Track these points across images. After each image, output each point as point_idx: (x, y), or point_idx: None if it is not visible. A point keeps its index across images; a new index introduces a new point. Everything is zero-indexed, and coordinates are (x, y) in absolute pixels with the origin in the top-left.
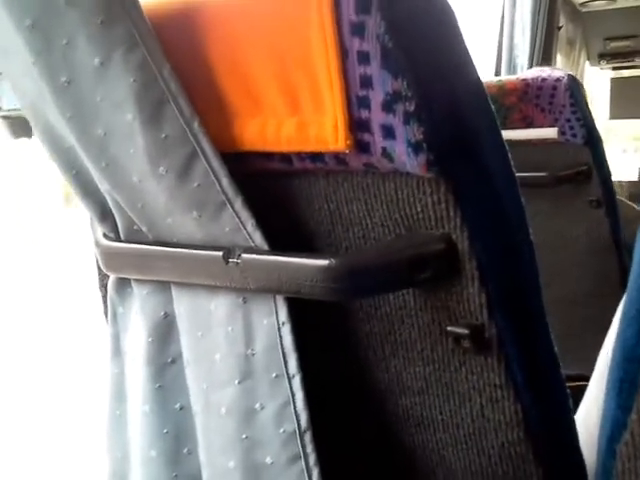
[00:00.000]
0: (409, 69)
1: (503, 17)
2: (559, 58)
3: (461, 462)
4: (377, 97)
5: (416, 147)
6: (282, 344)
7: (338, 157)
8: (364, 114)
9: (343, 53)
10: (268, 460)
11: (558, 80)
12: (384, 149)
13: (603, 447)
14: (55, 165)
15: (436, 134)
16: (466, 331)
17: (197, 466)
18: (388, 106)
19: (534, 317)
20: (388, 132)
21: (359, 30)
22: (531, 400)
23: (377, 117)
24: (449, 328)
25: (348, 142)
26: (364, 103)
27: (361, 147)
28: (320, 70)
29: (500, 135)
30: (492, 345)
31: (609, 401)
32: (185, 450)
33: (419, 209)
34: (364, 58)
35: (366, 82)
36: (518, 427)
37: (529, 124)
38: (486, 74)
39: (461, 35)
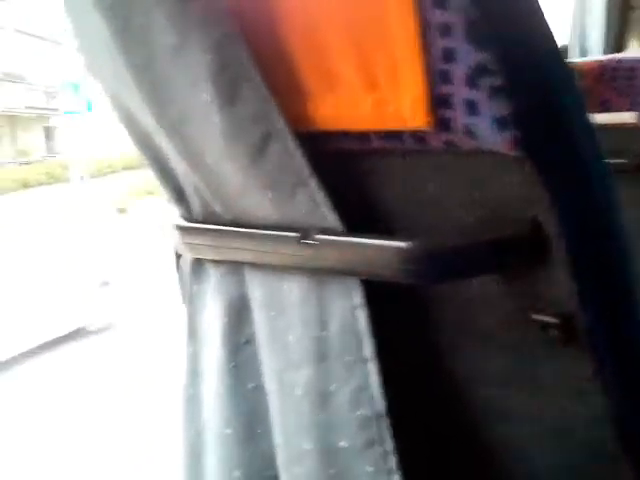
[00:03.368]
0: (495, 41)
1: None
2: (634, 43)
3: (544, 459)
4: (460, 71)
5: (501, 123)
6: (357, 327)
7: (417, 135)
8: (446, 89)
9: (424, 26)
10: (343, 443)
11: (638, 61)
12: (466, 126)
13: None
14: (136, 149)
15: (523, 110)
16: (554, 320)
17: (270, 446)
18: (472, 80)
19: (626, 306)
20: (471, 108)
21: (441, 1)
22: (622, 395)
23: (460, 92)
24: (535, 316)
25: (428, 119)
26: (446, 78)
27: (442, 124)
28: (399, 44)
29: (587, 114)
30: (581, 335)
31: None
32: (259, 430)
33: (502, 190)
34: (446, 31)
35: (448, 56)
36: (608, 423)
37: (607, 108)
38: None
39: (542, 9)
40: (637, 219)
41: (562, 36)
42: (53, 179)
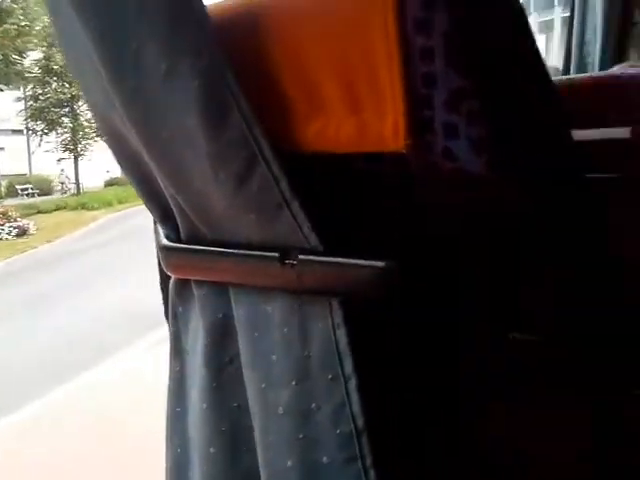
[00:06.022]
0: (475, 66)
1: (572, 13)
2: (634, 58)
3: None
4: (441, 95)
5: (479, 146)
6: (337, 346)
7: (397, 157)
8: (426, 113)
9: (406, 52)
10: (325, 460)
11: (632, 77)
12: (446, 148)
13: None
14: (122, 170)
15: (502, 133)
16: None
17: (255, 464)
18: (452, 104)
19: None
20: (451, 131)
21: (424, 27)
22: None
23: (440, 116)
24: (512, 335)
25: (408, 142)
26: (427, 102)
27: (422, 147)
28: (381, 68)
29: (567, 131)
30: None
31: None
32: (244, 448)
33: (483, 208)
34: (428, 55)
35: (429, 80)
36: None
37: (601, 123)
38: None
39: (531, 33)
40: (633, 232)
41: (558, 55)
42: None
